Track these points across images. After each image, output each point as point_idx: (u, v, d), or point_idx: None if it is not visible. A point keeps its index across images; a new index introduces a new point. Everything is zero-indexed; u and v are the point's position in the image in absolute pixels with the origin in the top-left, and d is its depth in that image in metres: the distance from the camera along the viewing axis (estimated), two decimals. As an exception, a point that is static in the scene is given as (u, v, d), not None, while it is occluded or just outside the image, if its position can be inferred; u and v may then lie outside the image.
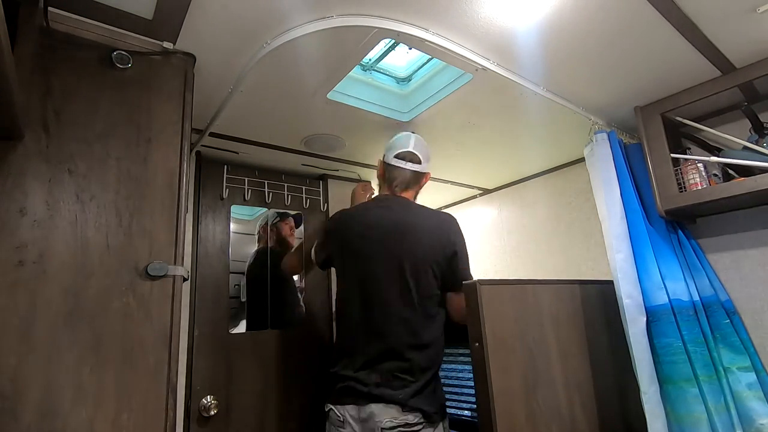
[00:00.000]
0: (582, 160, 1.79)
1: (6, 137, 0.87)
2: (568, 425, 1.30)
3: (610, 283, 1.47)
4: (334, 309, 1.44)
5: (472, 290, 1.22)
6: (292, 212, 1.95)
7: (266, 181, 1.88)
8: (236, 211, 1.80)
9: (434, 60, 1.41)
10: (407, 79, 1.58)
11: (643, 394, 1.35)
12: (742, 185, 1.34)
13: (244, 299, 1.76)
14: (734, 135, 1.51)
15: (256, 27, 1.08)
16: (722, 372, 1.37)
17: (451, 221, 1.40)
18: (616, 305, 1.44)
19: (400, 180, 1.42)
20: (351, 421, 1.20)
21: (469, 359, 1.26)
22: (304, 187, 1.98)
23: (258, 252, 1.85)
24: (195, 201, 1.68)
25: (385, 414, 1.18)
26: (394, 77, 1.59)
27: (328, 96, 1.38)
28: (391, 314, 1.26)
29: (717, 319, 1.45)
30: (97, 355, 0.88)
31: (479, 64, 1.24)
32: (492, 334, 1.19)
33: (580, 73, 1.38)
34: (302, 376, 1.74)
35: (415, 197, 1.49)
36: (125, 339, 0.91)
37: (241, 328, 1.71)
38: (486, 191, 2.53)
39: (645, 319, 1.40)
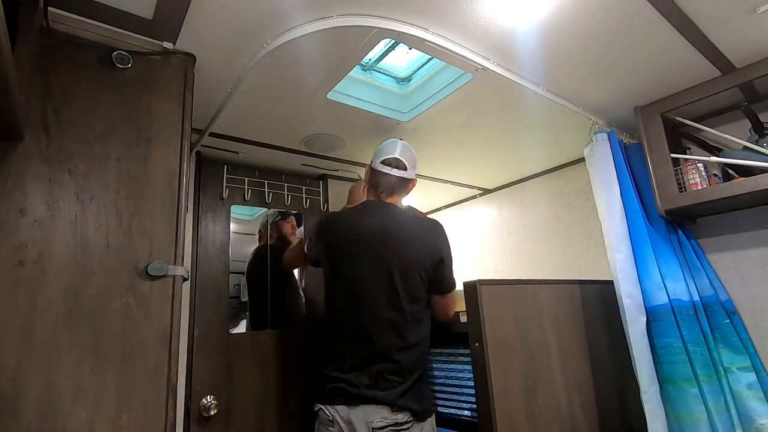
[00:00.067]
0: (582, 160, 1.79)
1: (6, 137, 0.87)
2: (568, 425, 1.30)
3: (610, 283, 1.47)
4: (323, 311, 1.43)
5: (472, 290, 1.22)
6: (293, 212, 1.95)
7: (266, 181, 1.88)
8: (236, 211, 1.80)
9: (434, 60, 1.41)
10: (407, 79, 1.58)
11: (643, 394, 1.35)
12: (742, 185, 1.34)
13: (244, 299, 1.76)
14: (734, 135, 1.51)
15: (256, 27, 1.08)
16: (722, 372, 1.37)
17: (439, 228, 1.42)
18: (616, 305, 1.44)
19: (386, 186, 1.43)
20: (340, 421, 1.21)
21: (469, 359, 1.26)
22: (304, 187, 1.98)
23: (257, 250, 1.84)
24: (195, 201, 1.68)
25: (376, 414, 1.20)
26: (394, 77, 1.59)
27: (328, 96, 1.38)
28: (379, 317, 1.27)
29: (717, 319, 1.45)
30: (97, 355, 0.88)
31: (479, 64, 1.24)
32: (492, 334, 1.19)
33: (580, 73, 1.38)
34: (302, 376, 1.74)
35: (400, 203, 1.50)
36: (125, 339, 0.91)
37: (241, 328, 1.71)
38: (486, 191, 2.53)
39: (645, 319, 1.40)
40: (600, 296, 1.57)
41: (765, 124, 1.47)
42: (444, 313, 1.38)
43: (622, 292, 1.41)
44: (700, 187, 1.44)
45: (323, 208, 2.01)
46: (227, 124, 1.52)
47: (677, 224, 1.59)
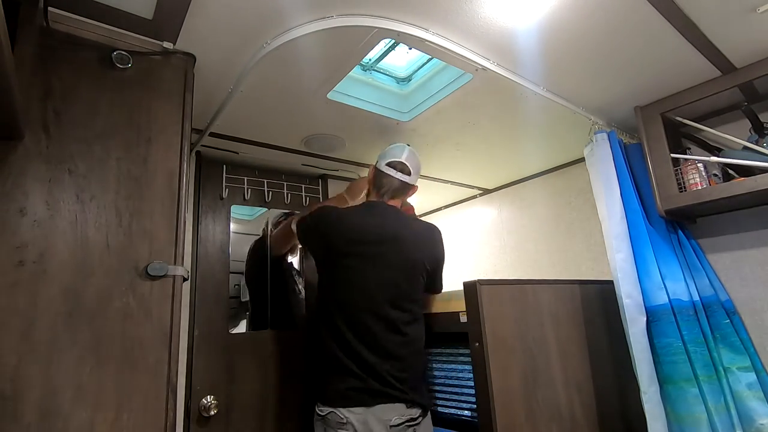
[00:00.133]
0: (582, 160, 1.79)
1: (6, 137, 0.87)
2: (568, 425, 1.30)
3: (610, 283, 1.47)
4: (319, 314, 1.40)
5: (472, 290, 1.22)
6: (297, 212, 1.95)
7: (266, 181, 1.88)
8: (236, 211, 1.80)
9: (434, 60, 1.41)
10: (407, 79, 1.58)
11: (643, 394, 1.35)
12: (742, 185, 1.34)
13: (244, 299, 1.77)
14: (734, 135, 1.51)
15: (256, 27, 1.08)
16: (722, 372, 1.37)
17: (438, 233, 1.50)
18: (616, 305, 1.44)
19: (389, 188, 1.47)
20: (355, 422, 1.21)
21: (469, 359, 1.26)
22: (303, 186, 1.98)
23: (254, 250, 1.83)
24: (195, 201, 1.69)
25: (393, 412, 1.23)
26: (394, 77, 1.59)
27: (328, 96, 1.38)
28: (382, 317, 1.30)
29: (717, 319, 1.45)
30: (97, 355, 0.88)
31: (479, 64, 1.24)
32: (492, 334, 1.19)
33: (580, 73, 1.38)
34: (302, 376, 1.74)
35: (400, 206, 1.54)
36: (125, 339, 0.91)
37: (241, 328, 1.71)
38: (486, 191, 2.53)
39: (645, 319, 1.40)
40: (600, 296, 1.57)
41: (765, 124, 1.47)
42: (427, 307, 1.47)
43: (622, 292, 1.41)
44: (700, 187, 1.44)
45: (323, 208, 2.01)
46: (227, 124, 1.52)
47: (677, 224, 1.59)
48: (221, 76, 1.26)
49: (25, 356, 0.81)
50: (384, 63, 1.52)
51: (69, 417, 0.82)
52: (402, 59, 1.55)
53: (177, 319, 0.98)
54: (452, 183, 2.33)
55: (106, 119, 1.00)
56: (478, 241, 2.53)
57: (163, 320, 0.96)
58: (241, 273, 1.77)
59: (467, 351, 1.25)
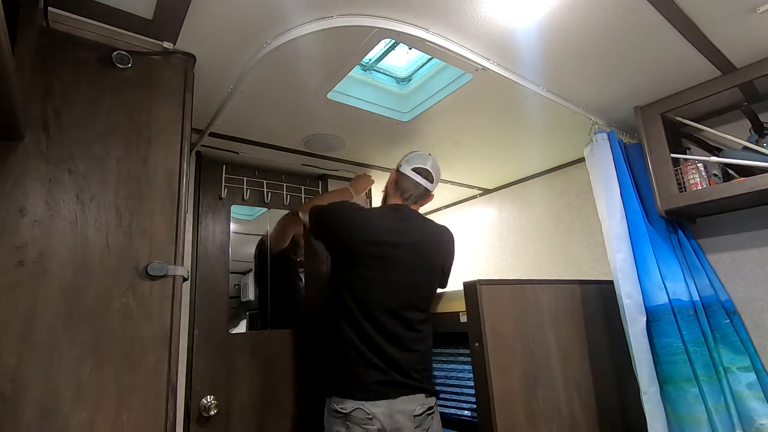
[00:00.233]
0: (582, 160, 1.79)
1: (6, 137, 0.87)
2: (568, 425, 1.30)
3: (610, 283, 1.47)
4: (336, 309, 1.42)
5: (472, 290, 1.22)
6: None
7: (265, 181, 1.88)
8: (236, 211, 1.80)
9: (434, 60, 1.41)
10: (407, 79, 1.58)
11: (643, 394, 1.35)
12: (742, 185, 1.34)
13: (244, 299, 1.77)
14: (734, 135, 1.51)
15: (256, 27, 1.08)
16: (722, 372, 1.37)
17: (452, 235, 1.57)
18: (616, 305, 1.44)
19: (413, 193, 1.53)
20: (381, 416, 1.25)
21: (469, 359, 1.26)
22: (303, 187, 1.98)
23: (257, 248, 1.85)
24: (195, 201, 1.68)
25: (415, 402, 1.29)
26: (394, 77, 1.59)
27: (328, 96, 1.38)
28: (401, 318, 1.35)
29: (717, 319, 1.45)
30: (97, 355, 0.88)
31: (479, 64, 1.24)
32: (492, 333, 1.19)
33: (580, 73, 1.38)
34: (302, 376, 1.74)
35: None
36: (125, 339, 0.91)
37: (241, 328, 1.71)
38: (486, 191, 2.53)
39: (645, 319, 1.40)
40: (600, 296, 1.57)
41: (765, 124, 1.47)
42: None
43: (622, 292, 1.41)
44: (700, 187, 1.44)
45: (323, 208, 2.01)
46: (227, 124, 1.52)
47: (677, 224, 1.59)
48: (221, 76, 1.26)
49: (25, 356, 0.81)
50: (384, 63, 1.52)
51: (69, 417, 0.82)
52: (402, 59, 1.55)
53: (177, 319, 0.98)
54: (452, 183, 2.33)
55: (106, 119, 1.00)
56: (478, 241, 2.53)
57: (163, 320, 0.96)
58: (241, 273, 1.77)
59: (467, 351, 1.25)
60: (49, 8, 0.95)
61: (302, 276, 1.90)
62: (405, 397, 1.28)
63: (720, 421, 1.30)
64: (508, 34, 1.16)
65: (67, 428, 0.82)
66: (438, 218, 2.76)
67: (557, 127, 1.71)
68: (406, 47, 1.26)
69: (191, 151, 1.63)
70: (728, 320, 1.45)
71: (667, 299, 1.40)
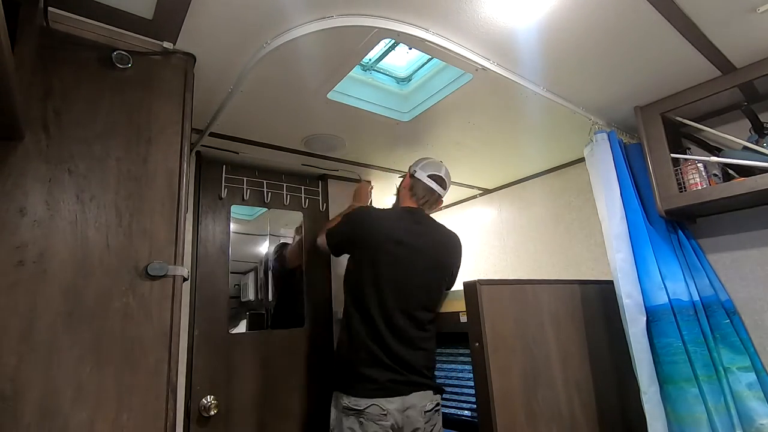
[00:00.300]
0: (582, 160, 1.79)
1: (6, 137, 0.87)
2: (568, 425, 1.30)
3: (610, 283, 1.47)
4: (349, 308, 1.45)
5: (472, 290, 1.22)
6: (293, 212, 1.95)
7: (265, 181, 1.88)
8: (236, 211, 1.80)
9: (434, 60, 1.41)
10: (407, 79, 1.58)
11: (643, 394, 1.35)
12: (742, 185, 1.34)
13: (244, 299, 1.77)
14: (734, 135, 1.51)
15: (256, 27, 1.08)
16: (722, 372, 1.37)
17: (461, 242, 1.64)
18: (616, 305, 1.44)
19: (427, 198, 1.59)
20: (395, 412, 1.29)
21: (469, 359, 1.26)
22: (303, 187, 1.98)
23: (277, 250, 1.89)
24: (195, 201, 1.68)
25: (425, 399, 1.35)
26: (394, 77, 1.59)
27: (328, 96, 1.37)
28: (413, 318, 1.40)
29: (717, 319, 1.45)
30: (97, 355, 0.88)
31: (479, 64, 1.24)
32: (492, 333, 1.19)
33: (580, 73, 1.38)
34: (302, 376, 1.74)
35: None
36: (125, 339, 0.91)
37: (241, 328, 1.71)
38: (486, 191, 2.53)
39: (645, 319, 1.40)
40: (600, 296, 1.57)
41: (765, 124, 1.47)
42: None
43: (622, 292, 1.41)
44: (700, 187, 1.44)
45: (322, 208, 2.01)
46: (227, 124, 1.52)
47: (677, 224, 1.59)
48: (221, 75, 1.26)
49: (25, 356, 0.81)
50: (384, 63, 1.52)
51: (69, 417, 0.82)
52: (402, 59, 1.55)
53: (177, 319, 0.98)
54: (452, 183, 2.33)
55: (106, 119, 1.00)
56: (478, 241, 2.53)
57: (163, 320, 0.96)
58: (241, 273, 1.77)
59: (467, 351, 1.25)
60: (49, 8, 0.95)
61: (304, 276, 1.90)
62: (416, 393, 1.33)
63: (720, 421, 1.30)
64: (508, 34, 1.16)
65: (67, 428, 0.82)
66: (438, 218, 2.75)
67: (557, 127, 1.71)
68: (406, 47, 1.26)
69: (191, 151, 1.63)
70: (728, 320, 1.45)
71: (667, 299, 1.40)
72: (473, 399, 1.24)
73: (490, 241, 2.47)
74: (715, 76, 1.42)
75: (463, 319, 1.27)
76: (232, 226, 1.77)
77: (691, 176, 1.48)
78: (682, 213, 1.54)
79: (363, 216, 1.55)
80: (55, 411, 0.82)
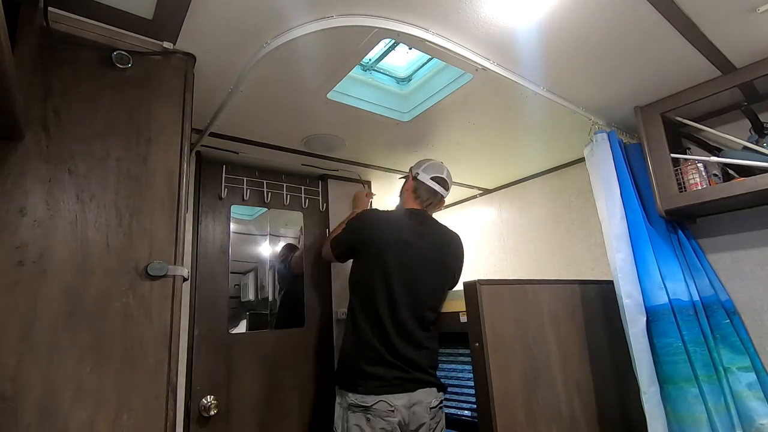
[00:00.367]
0: (582, 160, 1.79)
1: (6, 137, 0.87)
2: (568, 425, 1.30)
3: (610, 283, 1.47)
4: (355, 308, 1.45)
5: (472, 290, 1.22)
6: (293, 212, 1.95)
7: (265, 181, 1.88)
8: (236, 211, 1.80)
9: (434, 60, 1.41)
10: (407, 79, 1.58)
11: (643, 394, 1.35)
12: (742, 185, 1.34)
13: (244, 299, 1.77)
14: (734, 135, 1.51)
15: (256, 27, 1.08)
16: (722, 372, 1.37)
17: (462, 243, 1.66)
18: (616, 305, 1.44)
19: (431, 201, 1.62)
20: (402, 408, 1.31)
21: (469, 359, 1.26)
22: (303, 187, 1.98)
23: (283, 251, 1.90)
24: (195, 201, 1.68)
25: (430, 396, 1.37)
26: (394, 77, 1.59)
27: (328, 96, 1.37)
28: (421, 317, 1.41)
29: (717, 319, 1.45)
30: (97, 355, 0.88)
31: (479, 64, 1.24)
32: (492, 333, 1.19)
33: (580, 73, 1.38)
34: (302, 376, 1.74)
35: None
36: (125, 339, 0.91)
37: (241, 328, 1.71)
38: (486, 191, 2.53)
39: (645, 319, 1.40)
40: (600, 296, 1.57)
41: (765, 124, 1.47)
42: None
43: (622, 292, 1.41)
44: (700, 187, 1.44)
45: (322, 208, 2.01)
46: (227, 124, 1.52)
47: (677, 224, 1.59)
48: (221, 75, 1.26)
49: (25, 356, 0.81)
50: (384, 63, 1.52)
51: (69, 417, 0.82)
52: (402, 59, 1.55)
53: (177, 319, 0.98)
54: (452, 183, 2.32)
55: (106, 119, 1.00)
56: (478, 241, 2.53)
57: (163, 320, 0.96)
58: (241, 273, 1.77)
59: (467, 351, 1.25)
60: (49, 8, 0.95)
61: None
62: (422, 390, 1.35)
63: (720, 421, 1.30)
64: (508, 34, 1.16)
65: (67, 428, 0.82)
66: (438, 218, 2.75)
67: (557, 127, 1.71)
68: (406, 47, 1.26)
69: (191, 151, 1.64)
70: (728, 320, 1.45)
71: (667, 299, 1.40)
72: (473, 399, 1.24)
73: (490, 241, 2.47)
74: (715, 76, 1.42)
75: (463, 319, 1.27)
76: (232, 226, 1.77)
77: (691, 176, 1.48)
78: (682, 213, 1.54)
79: (367, 219, 1.56)
80: (55, 411, 0.82)
